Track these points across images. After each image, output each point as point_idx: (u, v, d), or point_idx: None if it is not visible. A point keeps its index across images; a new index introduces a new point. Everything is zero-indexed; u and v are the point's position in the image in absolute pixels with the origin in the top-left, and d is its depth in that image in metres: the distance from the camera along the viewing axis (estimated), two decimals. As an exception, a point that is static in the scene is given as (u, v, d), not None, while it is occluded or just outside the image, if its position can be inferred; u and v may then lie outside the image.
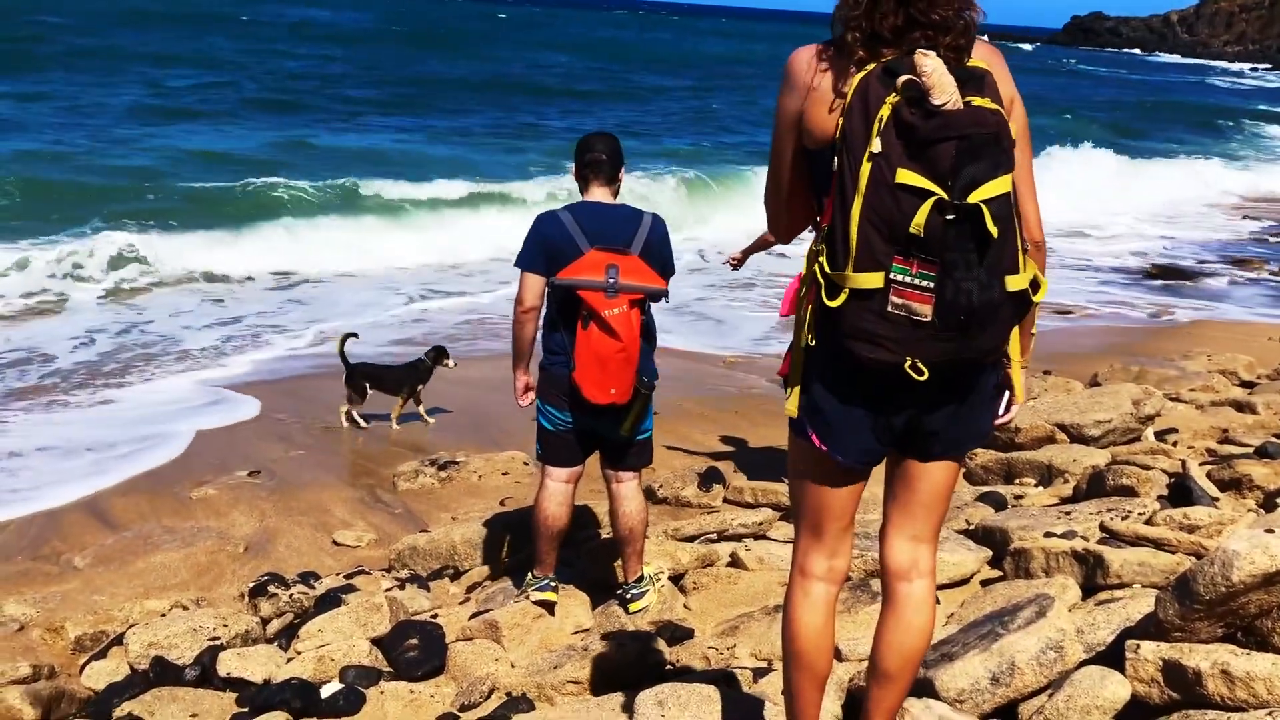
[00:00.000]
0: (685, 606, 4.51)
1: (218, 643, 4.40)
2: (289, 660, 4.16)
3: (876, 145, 2.07)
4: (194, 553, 5.74)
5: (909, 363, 2.12)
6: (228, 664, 4.16)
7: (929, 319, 2.08)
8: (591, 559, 4.86)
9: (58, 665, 4.56)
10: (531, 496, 6.29)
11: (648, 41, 72.14)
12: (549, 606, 4.37)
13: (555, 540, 4.40)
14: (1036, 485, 6.02)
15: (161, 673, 4.20)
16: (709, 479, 6.42)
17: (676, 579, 4.71)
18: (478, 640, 4.19)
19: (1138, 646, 2.74)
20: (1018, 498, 5.64)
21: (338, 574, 5.41)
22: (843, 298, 2.12)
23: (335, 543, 5.97)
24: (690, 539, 5.22)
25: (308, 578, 5.28)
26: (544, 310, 4.24)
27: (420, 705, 3.84)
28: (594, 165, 4.22)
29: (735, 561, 4.87)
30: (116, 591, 5.31)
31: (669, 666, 3.85)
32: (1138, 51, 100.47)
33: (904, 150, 2.07)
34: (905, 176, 2.06)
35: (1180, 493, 4.98)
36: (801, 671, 2.51)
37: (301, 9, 71.60)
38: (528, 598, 4.39)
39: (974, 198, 2.05)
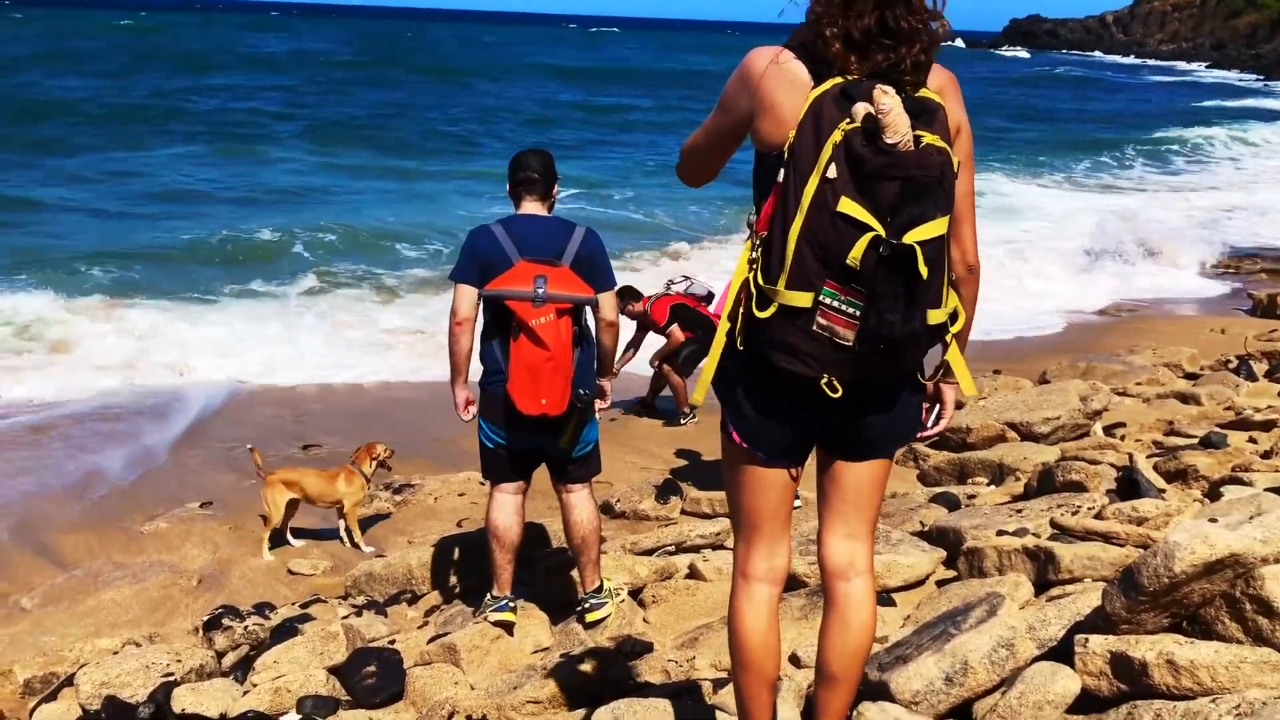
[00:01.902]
0: (644, 620, 4.51)
1: (172, 679, 4.33)
2: (245, 693, 4.11)
3: (831, 171, 2.12)
4: (146, 588, 5.64)
5: (825, 379, 2.21)
6: (182, 700, 4.10)
7: (850, 344, 2.17)
8: (548, 577, 4.84)
9: (6, 710, 4.47)
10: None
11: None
12: (508, 627, 4.35)
13: (509, 554, 4.39)
14: (989, 484, 6.09)
15: (114, 712, 4.12)
16: (666, 491, 6.43)
17: (635, 593, 4.71)
18: (436, 664, 4.15)
19: (1086, 640, 2.77)
20: (970, 497, 5.70)
21: (293, 603, 5.33)
22: (771, 310, 2.20)
23: (290, 571, 5.90)
24: (648, 552, 5.22)
25: (263, 608, 5.21)
26: (481, 326, 4.25)
27: (379, 733, 3.80)
28: (526, 183, 4.26)
29: (694, 573, 4.88)
30: (67, 632, 5.21)
31: (629, 682, 3.84)
32: (1098, 54, 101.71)
33: (850, 180, 2.12)
34: (847, 206, 2.11)
35: (1128, 486, 5.06)
36: (749, 674, 2.53)
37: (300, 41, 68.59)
38: (486, 619, 4.36)
39: (910, 238, 2.11)
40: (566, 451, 4.28)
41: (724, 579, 4.85)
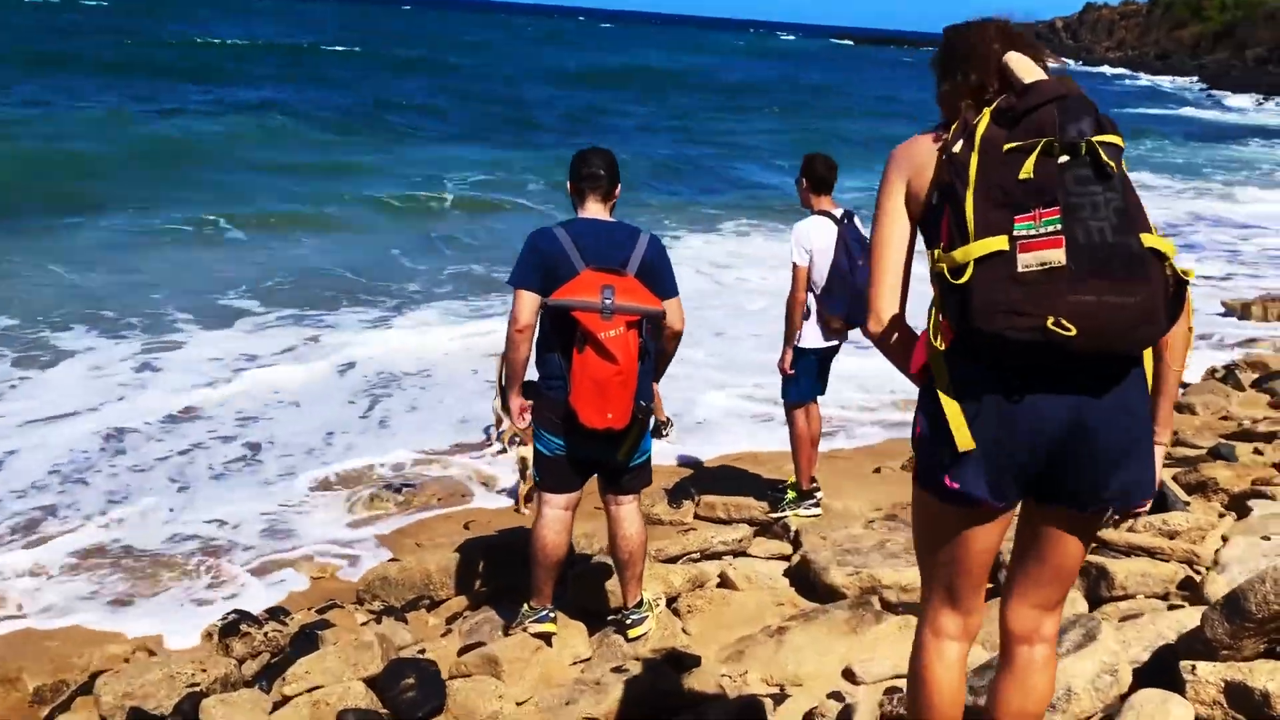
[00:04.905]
0: (685, 631, 4.44)
1: (197, 689, 4.17)
2: (278, 707, 3.95)
3: (982, 130, 2.11)
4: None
5: (1051, 320, 1.97)
6: (211, 712, 3.93)
7: (1063, 263, 1.99)
8: (580, 586, 4.74)
9: (17, 719, 4.27)
10: (499, 521, 6.18)
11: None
12: (548, 638, 4.24)
13: (554, 570, 4.28)
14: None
15: (139, 725, 3.96)
16: (678, 494, 6.36)
17: (670, 602, 4.63)
18: (476, 676, 4.04)
19: (1193, 668, 2.74)
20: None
21: (308, 608, 5.18)
22: (969, 272, 2.04)
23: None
24: (674, 559, 5.16)
25: (277, 613, 5.04)
26: (537, 332, 4.12)
27: (427, 749, 3.68)
28: (591, 179, 4.11)
29: (724, 581, 4.83)
30: (69, 635, 5.00)
31: (682, 695, 3.76)
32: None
33: (1007, 132, 2.10)
34: (1012, 145, 2.08)
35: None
36: None
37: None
38: (525, 630, 4.25)
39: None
40: (624, 462, 4.17)
41: (754, 588, 4.80)
